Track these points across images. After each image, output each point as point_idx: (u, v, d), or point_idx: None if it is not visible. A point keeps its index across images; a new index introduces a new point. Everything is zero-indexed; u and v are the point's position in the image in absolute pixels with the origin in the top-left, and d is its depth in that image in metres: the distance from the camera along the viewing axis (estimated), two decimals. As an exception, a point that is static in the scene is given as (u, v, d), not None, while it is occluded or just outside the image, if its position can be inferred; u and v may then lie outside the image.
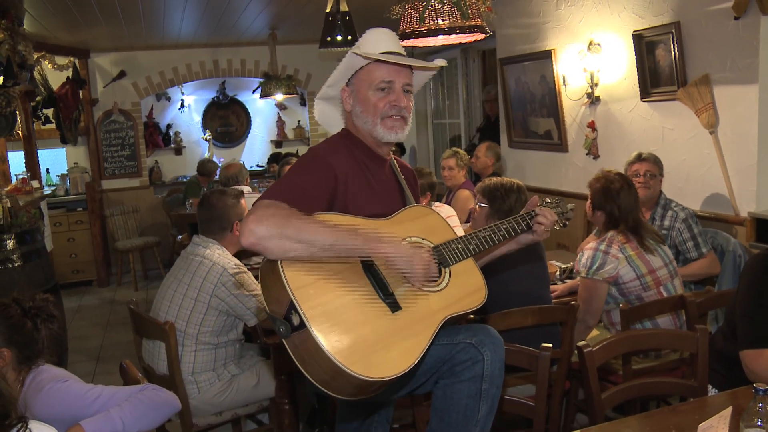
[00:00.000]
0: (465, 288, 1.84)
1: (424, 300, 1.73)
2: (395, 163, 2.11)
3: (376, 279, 1.70)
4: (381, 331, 1.61)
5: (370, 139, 1.95)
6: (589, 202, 3.11)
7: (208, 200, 3.08)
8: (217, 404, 2.90)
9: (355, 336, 1.56)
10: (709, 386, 2.32)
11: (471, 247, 1.90)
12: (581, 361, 2.12)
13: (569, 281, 3.39)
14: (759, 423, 1.51)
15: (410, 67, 1.94)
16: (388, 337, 1.60)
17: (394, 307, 1.67)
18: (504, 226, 1.99)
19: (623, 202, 2.99)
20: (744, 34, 3.56)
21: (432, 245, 1.86)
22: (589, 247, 3.00)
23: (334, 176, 1.80)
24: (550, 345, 2.19)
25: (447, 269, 1.84)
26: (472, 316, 2.59)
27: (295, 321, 1.54)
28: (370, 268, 1.71)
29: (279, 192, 1.71)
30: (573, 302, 2.75)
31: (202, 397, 2.85)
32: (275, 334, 1.94)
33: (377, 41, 1.91)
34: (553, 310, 2.73)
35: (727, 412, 1.68)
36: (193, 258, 2.93)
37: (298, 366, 1.58)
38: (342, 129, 2.03)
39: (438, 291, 1.78)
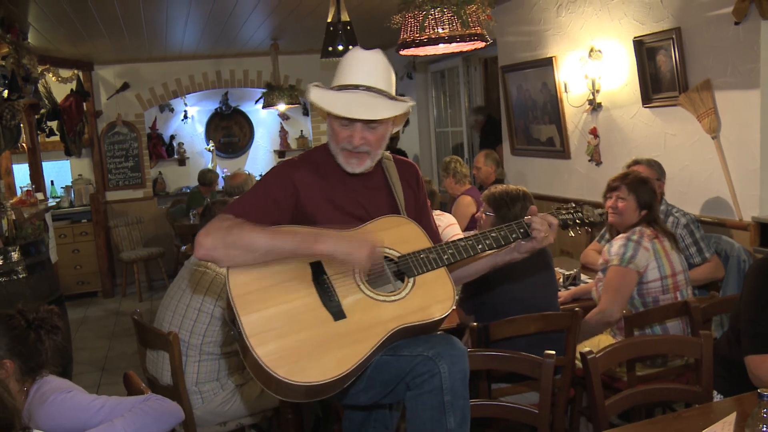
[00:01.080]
0: (429, 298, 1.81)
1: (375, 309, 1.74)
2: (390, 166, 2.07)
3: (322, 287, 1.74)
4: (318, 337, 1.66)
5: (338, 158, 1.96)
6: (628, 204, 3.04)
7: (210, 210, 3.09)
8: (221, 414, 2.90)
9: (289, 342, 1.63)
10: (714, 392, 2.31)
11: (445, 257, 1.87)
12: (585, 367, 2.11)
13: (573, 288, 3.39)
14: (764, 429, 1.50)
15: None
16: (325, 343, 1.65)
17: (338, 315, 1.71)
18: (492, 235, 1.93)
19: (657, 199, 3.09)
20: (744, 39, 3.56)
21: (398, 255, 1.85)
22: (619, 238, 2.99)
23: (293, 186, 1.86)
24: (554, 352, 2.19)
25: (411, 279, 1.83)
26: (474, 324, 2.61)
27: (238, 326, 1.64)
28: (318, 278, 1.76)
29: (232, 207, 1.81)
30: (577, 309, 2.74)
31: (206, 407, 2.85)
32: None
33: (345, 69, 1.88)
34: (557, 317, 2.73)
35: (731, 417, 1.67)
36: (196, 268, 2.94)
37: (246, 366, 1.68)
38: (323, 145, 2.01)
39: (394, 301, 1.77)
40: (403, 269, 1.84)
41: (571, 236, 2.13)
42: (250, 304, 1.65)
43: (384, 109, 1.84)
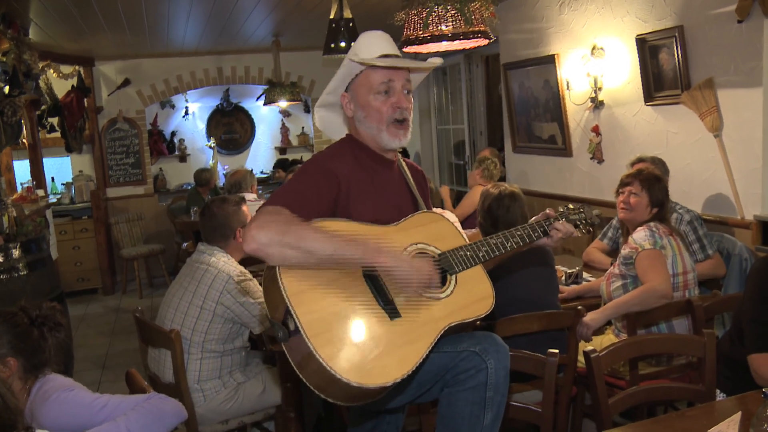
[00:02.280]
0: (471, 296, 1.83)
1: (426, 308, 1.72)
2: (404, 164, 2.10)
3: (375, 286, 1.69)
4: (377, 338, 1.60)
5: (373, 143, 1.95)
6: (641, 200, 3.03)
7: (208, 209, 3.08)
8: (223, 412, 2.90)
9: (350, 343, 1.57)
10: (717, 391, 2.31)
11: (480, 254, 1.89)
12: (588, 366, 2.11)
13: (575, 286, 3.38)
14: (768, 428, 1.50)
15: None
16: (385, 344, 1.60)
17: (393, 314, 1.67)
18: (518, 233, 1.98)
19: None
20: (747, 38, 3.55)
21: (438, 252, 1.85)
22: (641, 229, 2.96)
23: (336, 181, 1.80)
24: (557, 351, 2.18)
25: (453, 276, 1.83)
26: (479, 323, 2.61)
27: (291, 326, 1.56)
28: (370, 275, 1.71)
29: (281, 198, 1.72)
30: (579, 307, 2.74)
31: (208, 405, 2.85)
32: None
33: (371, 45, 1.91)
34: (559, 315, 2.72)
35: (737, 417, 1.67)
36: (198, 266, 2.93)
37: (296, 370, 1.59)
38: (346, 134, 2.02)
39: (442, 299, 1.77)
40: (444, 266, 1.83)
41: (576, 236, 2.14)
42: (308, 303, 1.57)
43: (422, 63, 1.96)
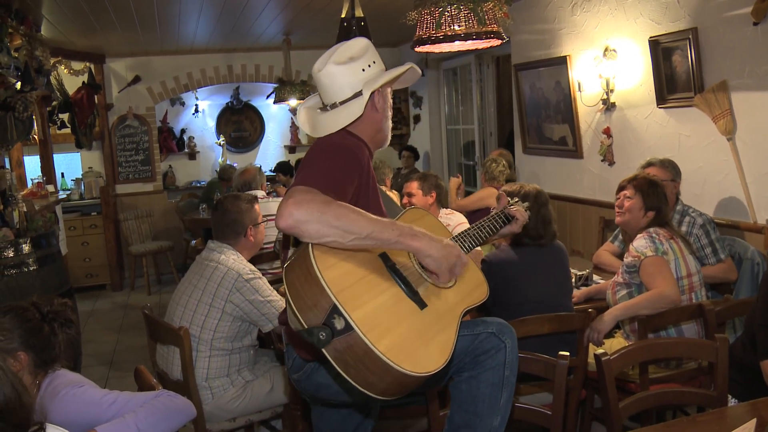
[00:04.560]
0: (470, 283, 1.93)
1: (443, 296, 1.79)
2: None
3: (400, 277, 1.73)
4: (416, 328, 1.64)
5: (372, 142, 2.01)
6: (636, 203, 3.04)
7: (221, 205, 3.08)
8: (231, 410, 2.90)
9: (397, 335, 1.59)
10: (729, 396, 2.29)
11: (467, 245, 2.03)
12: (599, 369, 2.10)
13: (584, 288, 3.36)
14: (783, 435, 1.48)
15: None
16: (424, 333, 1.65)
17: (422, 304, 1.70)
18: (487, 224, 2.18)
19: (668, 202, 3.10)
20: (763, 40, 3.52)
21: None
22: (640, 236, 2.96)
23: (360, 172, 1.84)
24: (568, 353, 2.17)
25: None
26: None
27: (339, 325, 1.51)
28: (393, 268, 1.73)
29: (314, 178, 1.70)
30: (590, 309, 2.73)
31: (216, 403, 2.85)
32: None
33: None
34: (570, 317, 2.71)
35: (751, 424, 1.65)
36: (208, 263, 2.93)
37: (340, 371, 1.55)
38: (346, 131, 1.96)
39: (450, 287, 1.84)
40: None
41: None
42: (354, 299, 1.57)
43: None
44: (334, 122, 1.94)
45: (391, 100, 2.05)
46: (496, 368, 1.84)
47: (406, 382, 1.56)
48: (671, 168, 3.57)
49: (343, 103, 1.93)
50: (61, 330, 1.94)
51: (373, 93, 1.92)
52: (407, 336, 1.60)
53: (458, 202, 5.13)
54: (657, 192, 3.03)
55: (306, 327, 1.54)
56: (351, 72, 1.93)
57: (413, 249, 1.70)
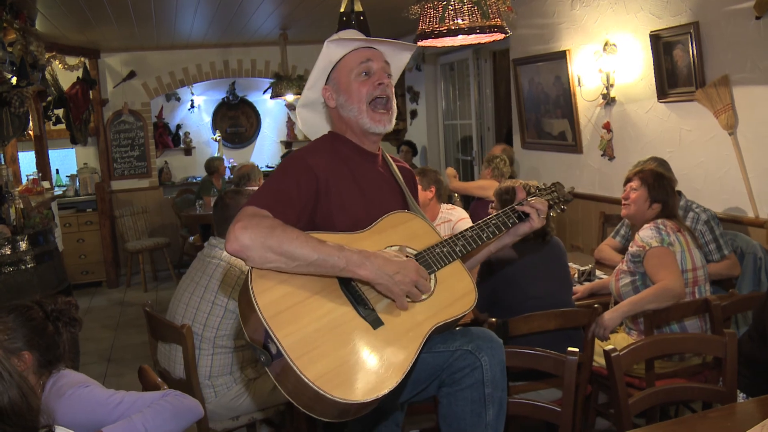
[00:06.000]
0: (453, 293, 1.79)
1: (408, 312, 1.68)
2: (389, 159, 2.08)
3: (354, 296, 1.66)
4: (363, 350, 1.57)
5: (356, 135, 1.93)
6: (641, 194, 3.03)
7: (222, 200, 3.06)
8: (234, 408, 2.87)
9: (336, 359, 1.53)
10: (738, 391, 2.28)
11: (457, 249, 1.85)
12: (609, 366, 2.08)
13: (587, 283, 3.35)
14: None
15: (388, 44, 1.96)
16: (371, 356, 1.57)
17: (376, 323, 1.63)
18: (493, 222, 1.94)
19: (675, 195, 3.06)
20: (765, 34, 3.50)
21: (415, 252, 1.81)
22: (647, 226, 2.95)
23: (315, 177, 1.78)
24: (577, 349, 2.15)
25: (432, 275, 1.79)
26: (493, 319, 2.58)
27: (273, 349, 1.52)
28: (348, 284, 1.67)
29: (262, 198, 1.69)
30: (596, 305, 2.71)
31: (219, 402, 2.82)
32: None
33: (344, 36, 1.93)
34: (576, 313, 2.70)
35: (769, 421, 1.64)
36: (210, 260, 2.90)
37: (287, 397, 1.56)
38: (328, 131, 2.00)
39: (423, 300, 1.73)
40: (422, 266, 1.79)
41: (552, 216, 2.10)
42: (287, 325, 1.53)
43: (403, 43, 1.99)
44: (322, 128, 2.04)
45: (356, 78, 1.88)
46: (473, 386, 1.73)
47: (344, 408, 1.50)
48: (662, 166, 3.55)
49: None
50: (65, 329, 1.91)
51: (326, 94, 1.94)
52: (349, 360, 1.54)
53: (458, 183, 5.13)
54: (663, 184, 3.02)
55: (254, 346, 1.57)
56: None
57: (361, 278, 1.63)
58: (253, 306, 1.54)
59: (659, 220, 2.96)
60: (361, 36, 1.93)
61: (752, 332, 2.41)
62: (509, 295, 2.85)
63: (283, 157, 7.43)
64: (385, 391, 1.52)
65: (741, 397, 2.33)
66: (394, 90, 1.95)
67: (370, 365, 1.55)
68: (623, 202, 3.14)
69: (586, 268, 3.47)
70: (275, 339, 1.50)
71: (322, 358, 1.51)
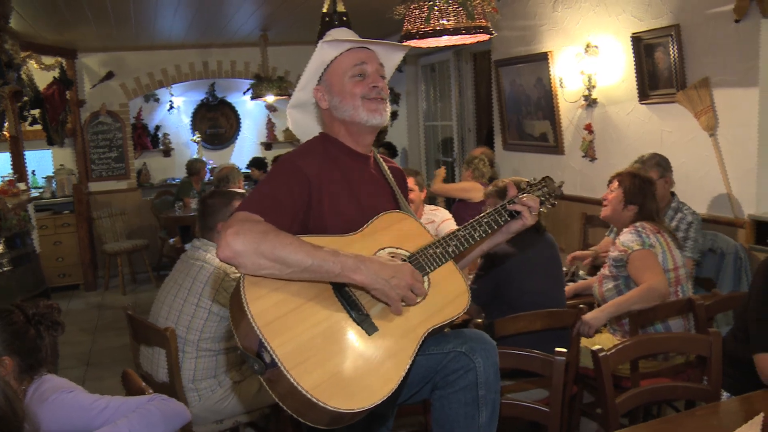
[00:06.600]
0: (446, 295, 1.77)
1: (402, 316, 1.66)
2: (381, 160, 2.05)
3: (348, 301, 1.63)
4: (358, 357, 1.55)
5: (348, 136, 1.90)
6: (617, 196, 3.06)
7: (206, 202, 3.02)
8: (218, 412, 2.84)
9: (331, 367, 1.51)
10: (722, 390, 2.30)
11: (450, 250, 1.82)
12: (596, 366, 2.09)
13: (572, 284, 3.37)
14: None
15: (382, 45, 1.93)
16: (366, 362, 1.55)
17: (371, 329, 1.61)
18: (485, 221, 1.90)
19: (656, 198, 3.07)
20: (744, 37, 3.55)
21: (408, 254, 1.79)
22: (627, 231, 2.97)
23: (307, 181, 1.75)
24: (565, 350, 2.16)
25: (426, 277, 1.77)
26: (479, 320, 2.58)
27: (267, 358, 1.49)
28: (341, 289, 1.65)
29: (254, 203, 1.66)
30: (582, 306, 2.72)
31: (203, 405, 2.79)
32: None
33: (339, 35, 1.88)
34: (562, 314, 2.71)
35: (759, 418, 1.65)
36: (194, 262, 2.86)
37: (277, 401, 1.54)
38: (319, 133, 1.97)
39: (417, 303, 1.71)
40: (415, 268, 1.77)
41: (543, 212, 2.04)
42: (281, 333, 1.50)
43: (397, 44, 1.97)
44: (313, 129, 2.01)
45: (350, 80, 1.84)
46: (467, 388, 1.71)
47: (339, 415, 1.49)
48: (655, 165, 3.55)
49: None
50: (47, 333, 1.87)
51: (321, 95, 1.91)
52: (345, 368, 1.52)
53: (440, 186, 5.14)
54: (640, 186, 3.04)
55: (246, 354, 1.54)
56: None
57: (357, 283, 1.60)
58: (246, 314, 1.51)
59: (638, 224, 2.98)
60: (355, 36, 1.90)
61: (737, 332, 2.44)
62: (507, 289, 2.86)
63: (274, 160, 7.37)
64: (382, 397, 1.51)
65: (725, 395, 2.35)
66: (388, 91, 1.92)
67: (366, 372, 1.53)
68: (603, 203, 3.17)
69: (571, 268, 3.49)
70: (269, 348, 1.48)
71: (318, 368, 1.49)
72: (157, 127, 8.73)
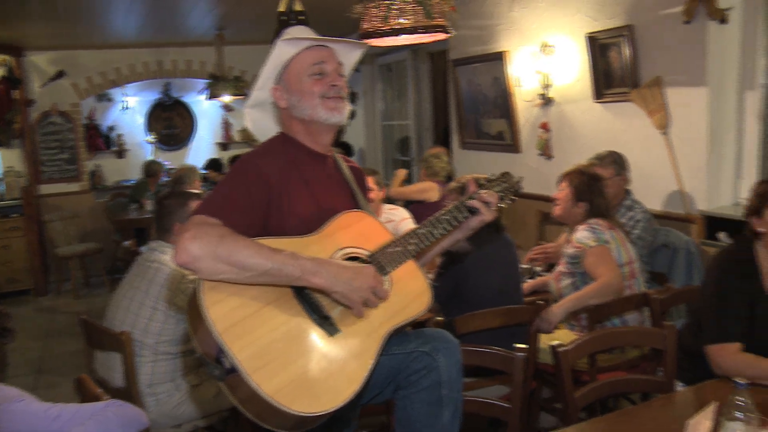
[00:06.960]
0: (407, 294, 1.76)
1: (364, 317, 1.65)
2: (340, 160, 2.04)
3: (309, 303, 1.62)
4: (320, 359, 1.54)
5: (307, 135, 1.88)
6: (567, 194, 3.11)
7: (161, 203, 2.96)
8: (176, 416, 2.78)
9: (293, 371, 1.49)
10: (676, 381, 2.35)
11: (410, 248, 1.81)
12: (556, 361, 2.11)
13: (530, 281, 3.41)
14: (739, 415, 1.54)
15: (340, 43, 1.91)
16: (329, 364, 1.54)
17: (332, 330, 1.60)
18: (445, 218, 1.89)
19: (604, 194, 3.12)
20: (693, 38, 3.65)
21: (368, 254, 1.78)
22: (581, 228, 3.02)
23: (267, 181, 1.72)
24: (526, 346, 2.18)
25: (387, 277, 1.76)
26: (439, 318, 2.58)
27: (227, 364, 1.46)
28: (301, 292, 1.63)
29: (212, 206, 1.62)
30: (540, 301, 2.76)
31: (160, 410, 2.73)
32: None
33: (297, 33, 1.86)
34: (520, 310, 2.74)
35: (711, 407, 1.70)
36: (150, 264, 2.80)
37: (237, 406, 1.51)
38: (278, 132, 1.94)
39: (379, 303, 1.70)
40: (376, 268, 1.76)
41: (503, 207, 2.02)
42: (241, 337, 1.48)
43: (355, 42, 1.95)
44: (272, 129, 1.98)
45: (309, 79, 1.82)
46: (430, 388, 1.72)
47: (302, 419, 1.47)
48: (611, 163, 3.60)
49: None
50: (-4, 340, 1.80)
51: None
52: (307, 371, 1.51)
53: (397, 189, 5.13)
54: (588, 183, 3.09)
55: (205, 359, 1.51)
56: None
57: (316, 287, 1.59)
58: (204, 319, 1.47)
59: (592, 220, 3.04)
60: (314, 34, 1.87)
61: (691, 325, 2.50)
62: (466, 287, 2.88)
63: (231, 161, 7.28)
64: (346, 399, 1.50)
65: (679, 386, 2.41)
66: (347, 90, 1.90)
67: (329, 374, 1.52)
68: (554, 202, 3.21)
69: (528, 266, 3.53)
70: (229, 353, 1.45)
71: (280, 372, 1.47)
72: (111, 128, 8.53)
